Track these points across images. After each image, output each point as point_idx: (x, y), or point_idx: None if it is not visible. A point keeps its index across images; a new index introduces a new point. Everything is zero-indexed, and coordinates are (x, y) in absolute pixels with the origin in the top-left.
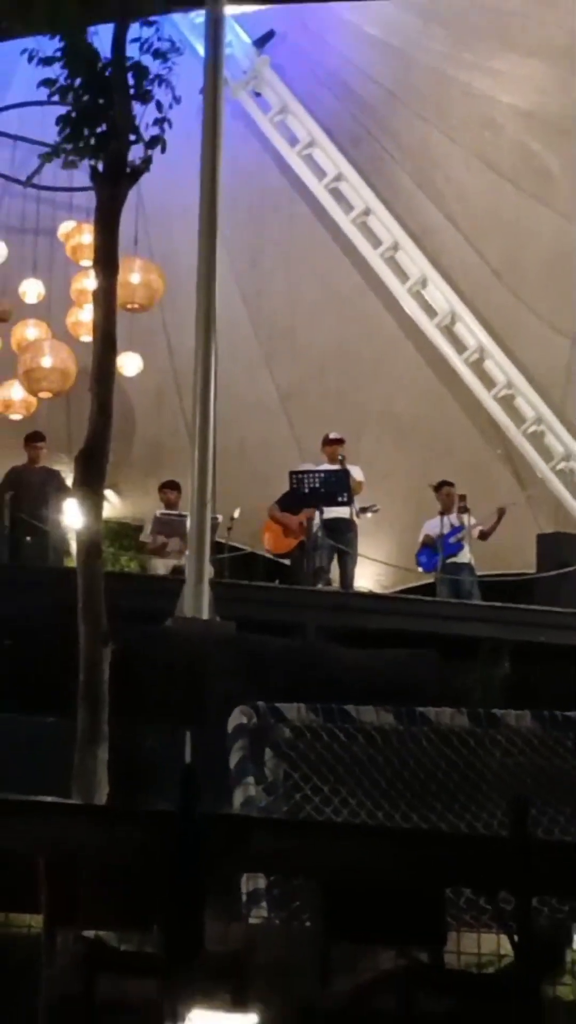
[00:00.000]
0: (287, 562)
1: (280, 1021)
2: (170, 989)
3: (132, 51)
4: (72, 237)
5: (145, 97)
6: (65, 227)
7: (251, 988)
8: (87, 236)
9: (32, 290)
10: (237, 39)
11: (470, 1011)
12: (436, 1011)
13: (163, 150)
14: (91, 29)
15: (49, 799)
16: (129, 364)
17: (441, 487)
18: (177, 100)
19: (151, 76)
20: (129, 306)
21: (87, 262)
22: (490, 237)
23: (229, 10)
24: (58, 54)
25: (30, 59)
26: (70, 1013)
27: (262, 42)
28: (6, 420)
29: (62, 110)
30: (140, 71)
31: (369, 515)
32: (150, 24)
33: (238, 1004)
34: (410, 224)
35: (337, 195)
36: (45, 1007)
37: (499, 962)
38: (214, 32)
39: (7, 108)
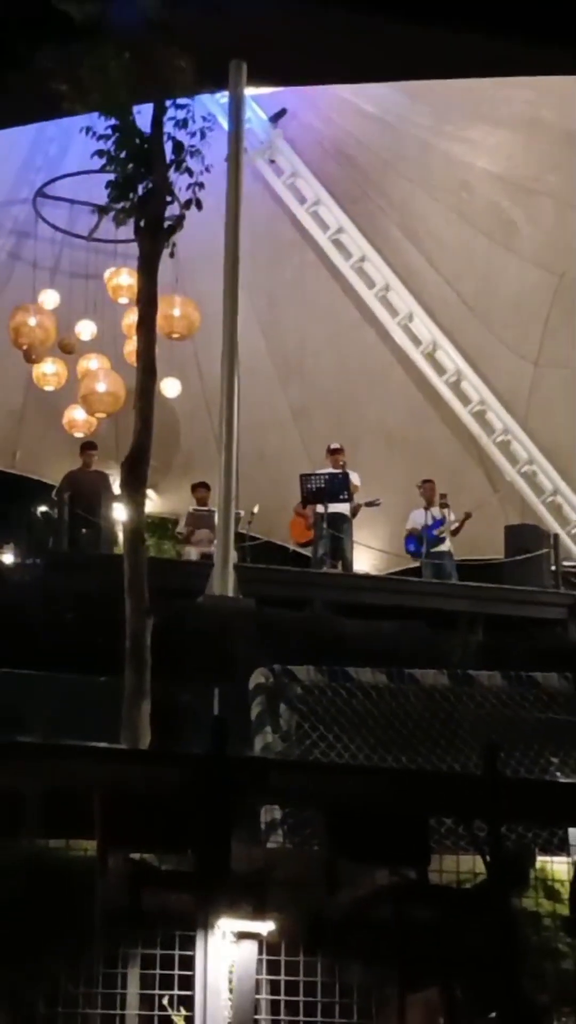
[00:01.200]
0: (308, 552)
1: (293, 928)
2: (202, 901)
3: (171, 127)
4: (112, 279)
5: (180, 166)
6: (108, 272)
7: (269, 901)
8: (125, 278)
9: (87, 329)
10: (255, 116)
11: (451, 919)
12: (422, 919)
13: (199, 208)
14: (135, 108)
15: (102, 744)
16: (170, 387)
17: (424, 483)
18: (207, 169)
19: (187, 149)
20: (173, 335)
21: (124, 299)
22: (465, 279)
23: (249, 91)
24: (108, 131)
25: (88, 133)
26: (120, 920)
27: (276, 118)
28: (71, 437)
29: (109, 176)
30: (178, 146)
31: (374, 508)
32: (181, 107)
33: (259, 913)
34: (399, 268)
35: (338, 245)
36: (100, 915)
37: (475, 879)
38: (236, 110)
39: (68, 176)
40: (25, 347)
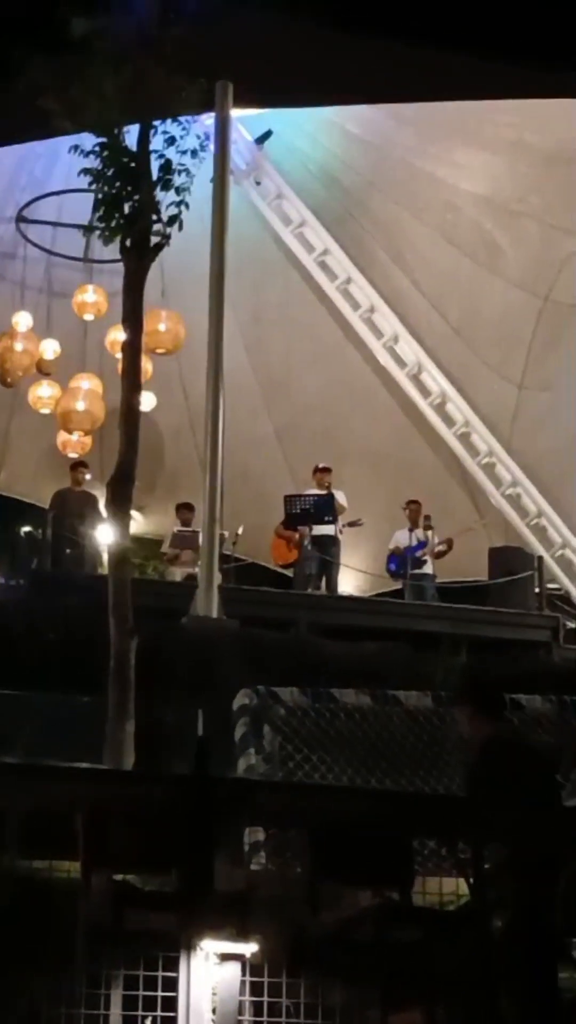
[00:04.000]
0: (290, 573)
1: (276, 949)
2: (185, 922)
3: (160, 145)
4: (78, 296)
5: (167, 185)
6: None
7: (252, 922)
8: (90, 294)
9: (49, 347)
10: (241, 137)
11: (434, 941)
12: (405, 940)
13: (180, 228)
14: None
15: (85, 765)
16: (145, 401)
17: (410, 504)
18: (187, 188)
19: (176, 168)
20: (158, 351)
21: (89, 316)
22: (450, 301)
23: (235, 113)
24: (96, 148)
25: (76, 152)
26: (102, 940)
27: (262, 139)
28: (57, 457)
29: (90, 195)
30: (166, 164)
31: (356, 528)
32: (175, 122)
33: (242, 935)
34: (384, 290)
35: (324, 266)
36: (82, 935)
37: (458, 901)
38: (222, 131)
39: (51, 195)
40: (8, 375)
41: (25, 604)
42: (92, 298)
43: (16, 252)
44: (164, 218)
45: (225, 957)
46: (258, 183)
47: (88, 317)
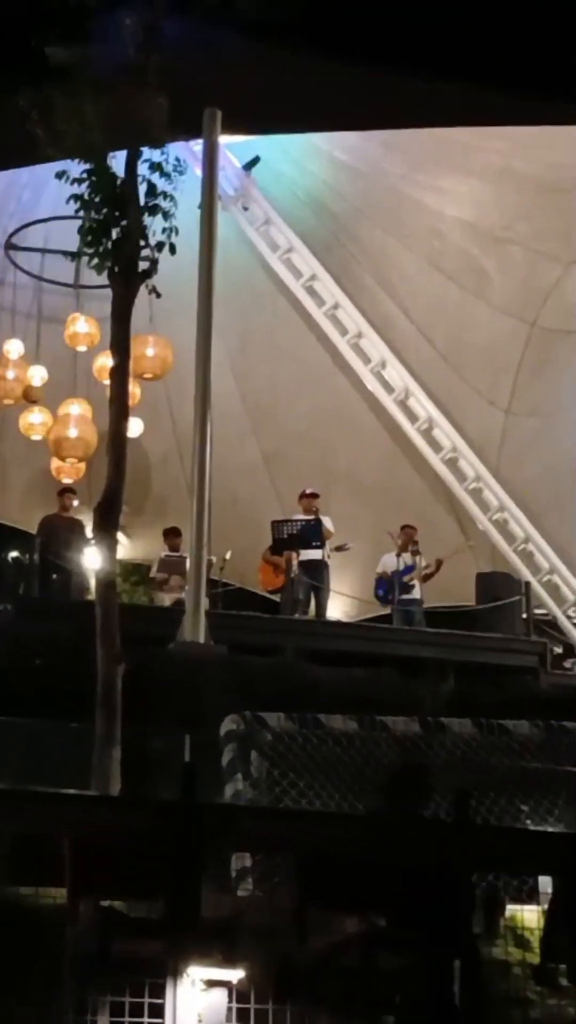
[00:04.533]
0: (277, 598)
1: (263, 975)
2: (172, 949)
3: (144, 171)
4: (69, 327)
5: (154, 210)
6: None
7: (239, 948)
8: (81, 324)
9: (37, 374)
10: (229, 163)
11: (421, 968)
12: (392, 967)
13: (172, 252)
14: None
15: (72, 791)
16: (132, 427)
17: (404, 528)
18: (172, 213)
19: (159, 192)
20: (145, 376)
21: (83, 347)
22: (437, 326)
23: (222, 140)
24: (83, 175)
25: (63, 178)
26: (89, 967)
27: (250, 166)
28: (45, 483)
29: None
30: (151, 188)
31: (344, 552)
32: (157, 149)
33: (228, 961)
34: (371, 316)
35: (311, 292)
36: (69, 962)
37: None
38: (210, 158)
39: (41, 221)
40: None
41: (12, 630)
42: (84, 328)
43: (4, 278)
44: (152, 244)
45: (211, 984)
46: (246, 209)
47: (81, 348)
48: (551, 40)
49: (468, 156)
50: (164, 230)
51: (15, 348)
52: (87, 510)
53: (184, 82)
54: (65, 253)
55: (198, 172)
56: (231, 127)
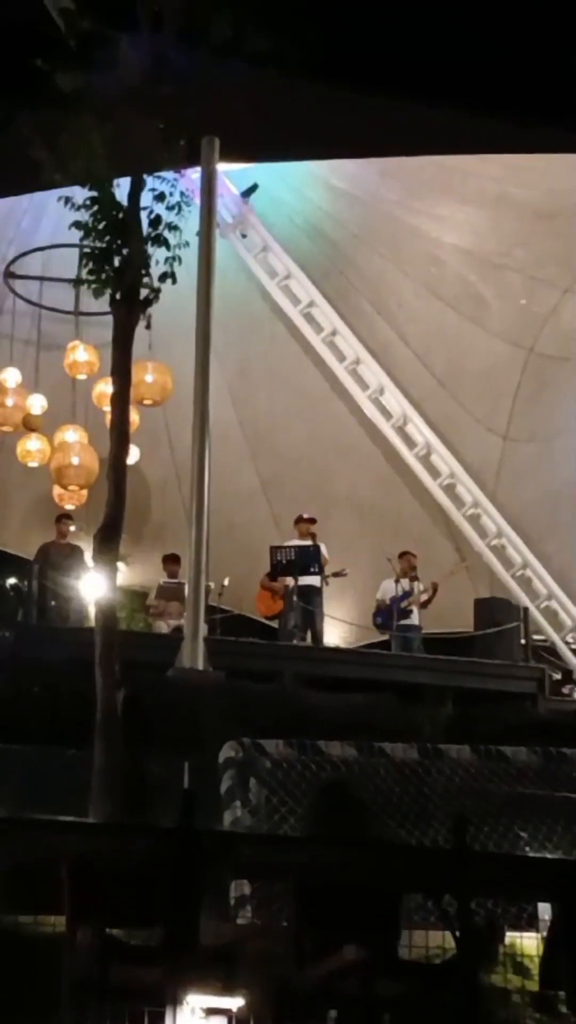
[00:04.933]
0: (275, 624)
1: (262, 1003)
2: (171, 976)
3: (149, 201)
4: (69, 355)
5: (158, 240)
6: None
7: (239, 975)
8: (81, 353)
9: (37, 403)
10: (227, 191)
11: (419, 995)
12: (391, 994)
13: (173, 282)
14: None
15: (70, 818)
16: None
17: (404, 555)
18: (187, 244)
19: (164, 224)
20: (145, 402)
21: (82, 376)
22: (435, 353)
23: (221, 167)
24: (87, 202)
25: (66, 204)
26: (88, 995)
27: (248, 193)
28: (43, 509)
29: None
30: (155, 220)
31: (341, 578)
32: (161, 179)
33: (228, 989)
34: (369, 342)
35: (309, 318)
36: (67, 990)
37: (444, 955)
38: (208, 185)
39: (41, 249)
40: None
41: (10, 657)
42: (84, 357)
43: (3, 306)
44: (154, 272)
45: (211, 1012)
46: (244, 236)
47: (81, 377)
48: (548, 68)
49: (465, 183)
50: (167, 259)
51: (12, 376)
52: (85, 537)
53: (183, 110)
54: (67, 280)
55: (196, 200)
56: (229, 155)
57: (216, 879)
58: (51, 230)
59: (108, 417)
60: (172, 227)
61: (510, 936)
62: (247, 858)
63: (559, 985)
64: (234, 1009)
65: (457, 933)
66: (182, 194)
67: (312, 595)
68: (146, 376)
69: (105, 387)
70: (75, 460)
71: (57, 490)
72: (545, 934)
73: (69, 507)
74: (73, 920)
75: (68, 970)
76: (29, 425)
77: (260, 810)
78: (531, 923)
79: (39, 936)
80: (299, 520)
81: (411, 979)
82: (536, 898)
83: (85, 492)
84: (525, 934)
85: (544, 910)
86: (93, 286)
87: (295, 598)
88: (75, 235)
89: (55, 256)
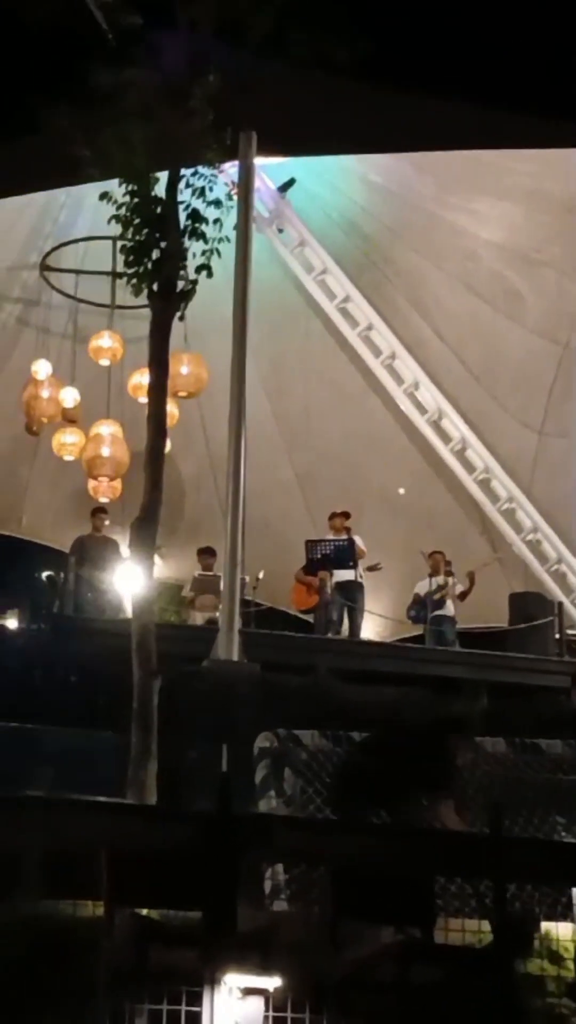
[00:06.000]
0: (310, 618)
1: (299, 985)
2: (208, 957)
3: (188, 194)
4: (94, 341)
5: (194, 233)
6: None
7: (276, 956)
8: (106, 340)
9: (70, 396)
10: (264, 185)
11: (455, 981)
12: (428, 980)
13: (209, 275)
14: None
15: (110, 799)
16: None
17: (432, 554)
18: (227, 239)
19: (207, 219)
20: (179, 394)
21: (105, 361)
22: (470, 348)
23: (258, 162)
24: (126, 197)
25: (107, 200)
26: (127, 976)
27: (285, 188)
28: (79, 503)
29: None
30: (194, 214)
31: (376, 572)
32: (199, 175)
33: (265, 969)
34: (405, 337)
35: (345, 313)
36: (106, 971)
37: (480, 943)
38: (246, 180)
39: (76, 241)
40: (33, 423)
41: (47, 648)
42: (108, 343)
43: (40, 299)
44: (191, 264)
45: (248, 992)
46: (280, 231)
47: (104, 362)
48: None
49: (499, 178)
50: (204, 252)
51: (43, 368)
52: (120, 531)
53: (221, 104)
54: (104, 273)
55: (233, 194)
56: (266, 149)
57: (253, 863)
58: (88, 225)
59: (145, 410)
60: (215, 221)
61: (545, 924)
62: (284, 842)
63: None
64: (271, 989)
65: (493, 919)
66: (226, 185)
67: (354, 591)
68: (181, 368)
69: (140, 378)
70: (105, 451)
71: (91, 483)
72: None
73: (104, 500)
74: (111, 902)
75: (106, 952)
76: (68, 418)
77: (295, 800)
78: (565, 914)
79: (77, 918)
80: (332, 516)
81: (447, 964)
82: (572, 883)
83: (119, 485)
84: (560, 923)
85: None
86: (131, 280)
87: (335, 593)
88: (111, 229)
89: (92, 251)
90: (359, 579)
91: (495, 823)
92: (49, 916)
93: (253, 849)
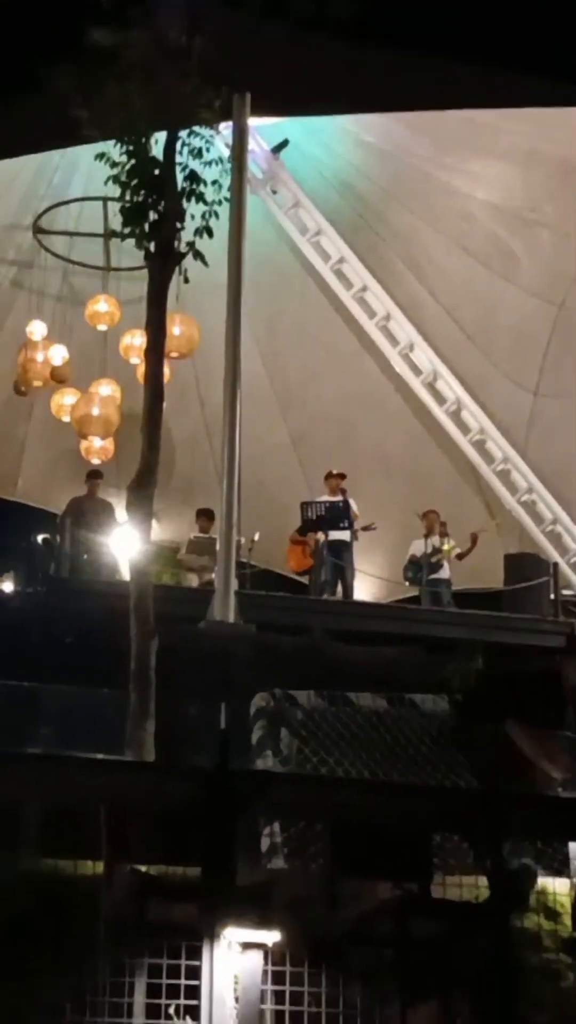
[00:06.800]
0: (304, 579)
1: (298, 939)
2: (208, 912)
3: (186, 157)
4: (90, 306)
5: (191, 195)
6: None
7: (274, 911)
8: (102, 305)
9: (57, 354)
10: (258, 146)
11: (453, 936)
12: (425, 934)
13: (210, 236)
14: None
15: (110, 757)
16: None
17: (427, 514)
18: (225, 200)
19: (205, 181)
20: (172, 354)
21: (103, 326)
22: (465, 308)
23: (252, 122)
24: (123, 157)
25: (103, 160)
26: (127, 930)
27: (278, 149)
28: (75, 466)
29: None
30: (192, 175)
31: (371, 532)
32: (197, 135)
33: (264, 923)
34: (399, 298)
35: (339, 274)
36: (106, 925)
37: (477, 899)
38: (240, 141)
39: (70, 201)
40: (23, 384)
41: (43, 610)
42: (104, 308)
43: (35, 261)
44: (189, 227)
45: (247, 946)
46: (275, 192)
47: (102, 327)
48: None
49: (495, 138)
50: (202, 214)
51: (38, 329)
52: (116, 493)
53: (216, 65)
54: (99, 235)
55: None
56: (260, 110)
57: (251, 821)
58: (82, 186)
59: (138, 371)
60: (213, 182)
61: (542, 881)
62: (282, 798)
63: None
64: (270, 943)
65: (490, 875)
66: (227, 145)
67: (343, 550)
68: (173, 328)
69: (132, 339)
70: (95, 411)
71: (83, 444)
72: None
73: (96, 461)
74: (111, 858)
75: (106, 907)
76: (57, 377)
77: (291, 760)
78: (564, 868)
79: (78, 876)
80: (329, 476)
81: (444, 920)
82: (568, 838)
83: (111, 445)
84: (557, 879)
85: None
86: (124, 239)
87: (326, 553)
88: (106, 191)
89: (86, 212)
90: (352, 540)
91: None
92: (50, 872)
93: (252, 805)
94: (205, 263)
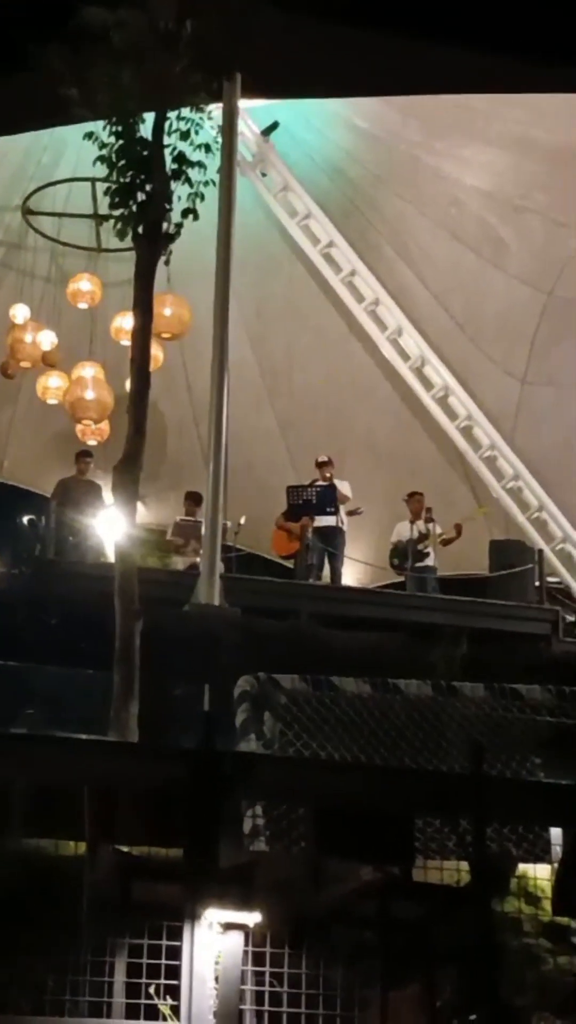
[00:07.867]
0: (290, 564)
1: (279, 920)
2: (190, 892)
3: (174, 138)
4: (72, 284)
5: (178, 175)
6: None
7: (256, 895)
8: (84, 283)
9: (46, 339)
10: (248, 128)
11: (433, 918)
12: (407, 916)
13: (195, 218)
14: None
15: (93, 737)
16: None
17: (411, 496)
18: (212, 183)
19: (191, 162)
20: (163, 335)
21: (83, 304)
22: (454, 295)
23: (242, 105)
24: (112, 137)
25: (92, 140)
26: (108, 910)
27: (268, 131)
28: (62, 446)
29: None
30: (180, 157)
31: (357, 516)
32: (184, 119)
33: (245, 904)
34: (388, 283)
35: (328, 259)
36: (88, 905)
37: (458, 883)
38: (229, 123)
39: (59, 182)
40: (9, 367)
41: (29, 592)
42: (87, 286)
43: (23, 242)
44: (176, 208)
45: (228, 927)
46: (264, 175)
47: (82, 306)
48: (570, 7)
49: (487, 124)
50: (189, 195)
51: (20, 312)
52: (103, 475)
53: (206, 46)
54: (88, 216)
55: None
56: (251, 92)
57: (234, 803)
58: (71, 167)
59: (127, 353)
60: (199, 164)
61: (522, 866)
62: (265, 779)
63: (571, 913)
64: (251, 924)
65: (471, 860)
66: (217, 128)
67: (334, 536)
68: (164, 310)
69: (122, 321)
70: (89, 395)
71: (79, 427)
72: (557, 864)
73: (91, 442)
74: (94, 838)
75: (88, 887)
76: (47, 361)
77: (274, 744)
78: (544, 853)
79: (60, 856)
80: (317, 462)
81: (425, 903)
82: (550, 823)
83: (107, 427)
84: (538, 864)
85: (557, 839)
86: (117, 223)
87: (315, 538)
88: (94, 172)
89: (75, 193)
90: (340, 525)
91: (475, 762)
92: (32, 851)
93: (236, 786)
94: (179, 235)
